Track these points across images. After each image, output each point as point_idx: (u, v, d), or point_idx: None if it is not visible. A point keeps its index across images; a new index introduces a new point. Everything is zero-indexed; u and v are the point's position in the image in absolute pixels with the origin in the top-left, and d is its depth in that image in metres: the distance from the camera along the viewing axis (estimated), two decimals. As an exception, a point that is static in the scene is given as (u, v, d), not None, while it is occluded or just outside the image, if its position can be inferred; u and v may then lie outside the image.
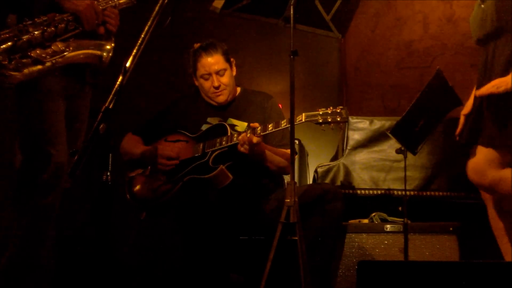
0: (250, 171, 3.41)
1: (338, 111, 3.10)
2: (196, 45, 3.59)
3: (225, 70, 3.53)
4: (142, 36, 2.27)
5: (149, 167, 3.51)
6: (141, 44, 2.26)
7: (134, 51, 2.25)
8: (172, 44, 4.70)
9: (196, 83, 3.62)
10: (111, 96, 2.18)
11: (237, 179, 3.33)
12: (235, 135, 3.32)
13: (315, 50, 5.04)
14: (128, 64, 2.23)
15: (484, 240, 3.79)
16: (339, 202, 3.27)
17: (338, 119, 3.09)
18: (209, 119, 3.61)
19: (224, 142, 3.35)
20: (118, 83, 2.20)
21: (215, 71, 3.50)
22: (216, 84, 3.50)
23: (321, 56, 5.16)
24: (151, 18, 2.30)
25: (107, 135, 2.19)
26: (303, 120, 3.15)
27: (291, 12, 2.95)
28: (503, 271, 2.44)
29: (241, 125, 3.56)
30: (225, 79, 3.53)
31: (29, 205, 2.52)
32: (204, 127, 3.57)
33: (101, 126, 2.16)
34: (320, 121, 3.10)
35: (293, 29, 2.95)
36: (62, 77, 2.62)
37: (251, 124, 3.29)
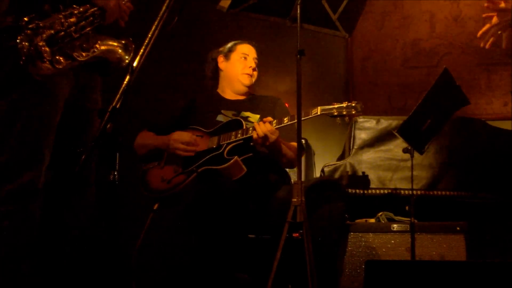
0: (262, 166, 3.44)
1: (353, 105, 3.18)
2: None
3: (257, 64, 3.77)
4: (149, 36, 2.27)
5: (164, 159, 3.54)
6: (148, 44, 2.26)
7: (141, 50, 2.26)
8: (178, 43, 4.71)
9: (222, 66, 3.79)
10: (118, 95, 2.19)
11: (247, 176, 3.34)
12: (251, 128, 3.35)
13: (322, 49, 5.04)
14: (135, 64, 2.23)
15: (491, 240, 3.79)
16: (339, 194, 3.28)
17: (353, 112, 3.18)
18: (223, 111, 3.67)
19: (239, 135, 3.39)
20: (125, 82, 2.20)
21: (254, 57, 3.77)
22: (253, 65, 3.73)
23: (328, 56, 5.16)
24: (158, 18, 2.30)
25: (114, 135, 2.19)
26: (319, 113, 3.23)
27: (298, 12, 2.95)
28: (510, 270, 2.43)
29: (254, 117, 3.64)
30: (256, 69, 3.77)
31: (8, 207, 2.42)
32: (219, 117, 3.64)
33: (108, 125, 2.16)
34: (336, 113, 3.17)
35: (299, 28, 2.95)
36: (74, 74, 2.57)
37: (265, 119, 3.34)
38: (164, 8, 2.33)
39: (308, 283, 2.74)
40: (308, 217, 2.79)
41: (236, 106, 3.72)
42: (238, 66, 3.74)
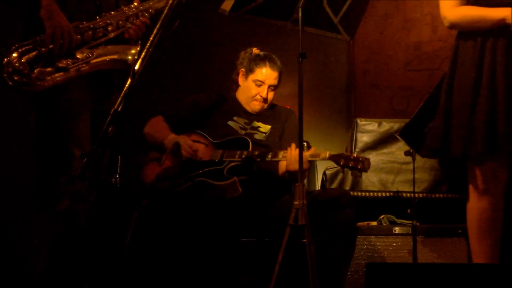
0: (262, 187, 3.44)
1: (361, 159, 3.11)
2: (256, 50, 3.71)
3: (275, 87, 3.66)
4: (151, 38, 2.27)
5: (165, 156, 3.48)
6: (150, 46, 2.26)
7: (143, 53, 2.26)
8: (180, 46, 4.72)
9: (241, 82, 3.71)
10: (120, 98, 2.19)
11: (247, 183, 3.33)
12: (270, 154, 3.32)
13: (324, 52, 5.04)
14: (137, 67, 2.23)
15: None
16: (352, 208, 3.27)
17: (359, 166, 3.09)
18: (235, 118, 3.63)
19: (244, 156, 3.36)
20: (127, 85, 2.20)
21: (270, 84, 3.63)
22: (265, 95, 3.62)
23: (330, 59, 5.16)
24: (160, 21, 2.31)
25: (115, 138, 2.20)
26: (327, 157, 3.17)
27: (299, 15, 2.95)
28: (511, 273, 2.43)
29: (264, 127, 3.63)
30: (271, 95, 3.65)
31: (50, 210, 2.58)
32: (230, 123, 3.60)
33: (110, 128, 2.17)
34: (342, 163, 3.11)
35: (301, 31, 2.95)
36: (89, 87, 2.70)
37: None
38: (166, 11, 2.33)
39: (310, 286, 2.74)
40: (316, 227, 2.79)
41: (249, 115, 3.67)
42: (251, 90, 3.64)
